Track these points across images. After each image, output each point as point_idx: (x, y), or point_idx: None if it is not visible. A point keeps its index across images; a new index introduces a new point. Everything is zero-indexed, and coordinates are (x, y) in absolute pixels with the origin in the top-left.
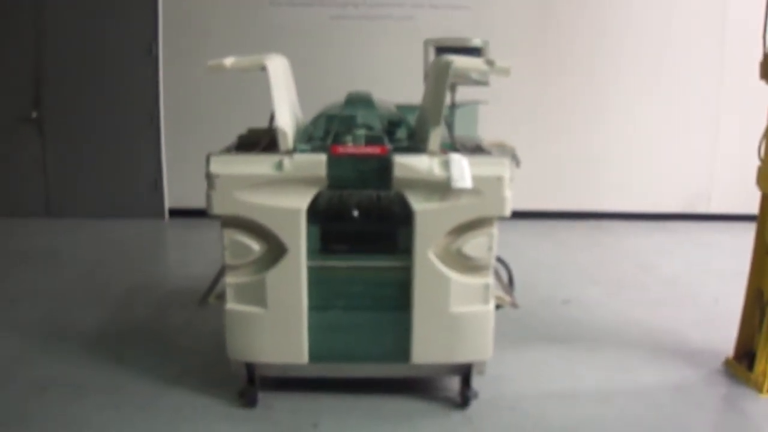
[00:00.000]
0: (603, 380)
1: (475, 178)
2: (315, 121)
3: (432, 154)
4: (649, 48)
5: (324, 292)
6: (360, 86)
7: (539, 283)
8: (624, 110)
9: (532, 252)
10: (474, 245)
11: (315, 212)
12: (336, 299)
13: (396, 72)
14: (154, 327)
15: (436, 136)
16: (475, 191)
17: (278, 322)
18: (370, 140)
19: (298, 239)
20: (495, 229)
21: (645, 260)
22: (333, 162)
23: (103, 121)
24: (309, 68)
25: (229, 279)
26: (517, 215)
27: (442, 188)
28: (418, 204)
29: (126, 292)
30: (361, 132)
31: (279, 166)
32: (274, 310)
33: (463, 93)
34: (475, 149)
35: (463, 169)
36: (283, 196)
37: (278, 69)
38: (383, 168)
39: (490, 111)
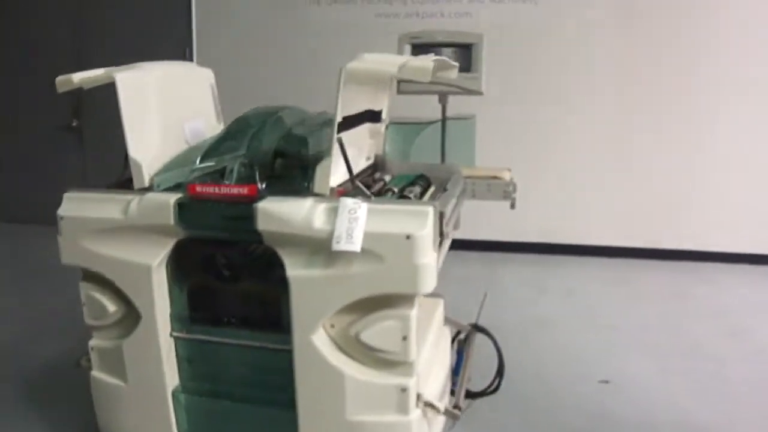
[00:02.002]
0: None
1: (372, 237)
2: (197, 148)
3: (319, 197)
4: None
5: (194, 372)
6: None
7: (583, 350)
8: (730, 128)
9: (593, 304)
10: (377, 332)
11: (183, 269)
12: (209, 382)
13: None
14: None
15: (324, 170)
16: (371, 255)
17: (140, 402)
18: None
19: (151, 303)
20: (413, 311)
21: (736, 321)
22: (189, 205)
23: None
24: None
25: (92, 341)
26: (589, 252)
27: (327, 248)
28: (295, 268)
29: None
30: (235, 165)
31: (126, 209)
32: (134, 386)
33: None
34: (430, 184)
35: (352, 222)
36: (134, 247)
37: (144, 82)
38: (250, 216)
39: (564, 129)
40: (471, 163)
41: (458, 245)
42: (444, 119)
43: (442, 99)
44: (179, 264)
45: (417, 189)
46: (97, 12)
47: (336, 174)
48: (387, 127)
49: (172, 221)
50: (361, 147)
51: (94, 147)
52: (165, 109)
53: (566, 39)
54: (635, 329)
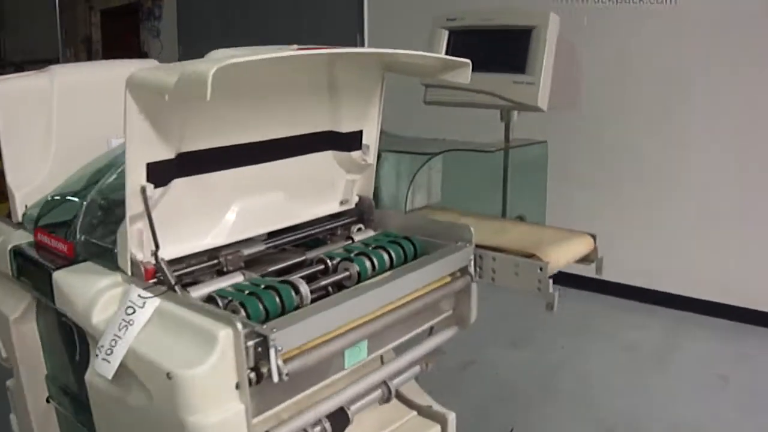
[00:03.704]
0: None
1: (140, 360)
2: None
3: (126, 275)
4: None
5: None
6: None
7: None
8: None
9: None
10: None
11: (53, 331)
12: None
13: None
14: None
15: (123, 236)
16: (141, 388)
17: None
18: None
19: (15, 360)
20: None
21: None
22: (26, 256)
23: None
24: None
25: (8, 381)
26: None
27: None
28: (92, 372)
29: None
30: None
31: None
32: None
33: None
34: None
35: (122, 328)
36: (6, 289)
37: (35, 92)
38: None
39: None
40: (539, 217)
41: (639, 296)
42: (507, 146)
43: (505, 115)
44: (50, 323)
45: (354, 268)
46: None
47: (189, 237)
48: (380, 158)
49: (10, 272)
50: (331, 185)
51: None
52: (76, 122)
53: None
54: None
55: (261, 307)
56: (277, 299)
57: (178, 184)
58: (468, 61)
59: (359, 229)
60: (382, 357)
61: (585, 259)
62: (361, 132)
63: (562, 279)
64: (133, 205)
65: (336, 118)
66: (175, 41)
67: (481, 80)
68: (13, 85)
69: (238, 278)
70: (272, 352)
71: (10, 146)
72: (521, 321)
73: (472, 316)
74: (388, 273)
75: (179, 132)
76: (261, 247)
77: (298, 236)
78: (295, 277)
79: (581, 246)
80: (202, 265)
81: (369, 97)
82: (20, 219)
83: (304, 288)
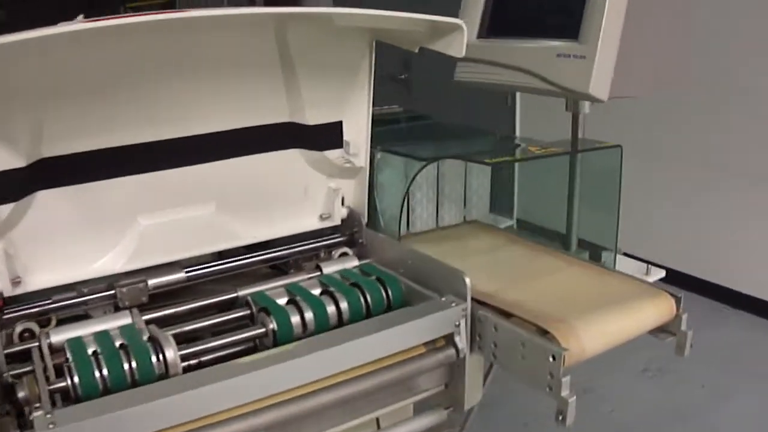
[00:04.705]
0: None
1: None
2: None
3: None
4: None
5: None
6: None
7: None
8: None
9: None
10: None
11: None
12: None
13: None
14: None
15: None
16: None
17: None
18: None
19: None
20: None
21: None
22: None
23: None
24: None
25: None
26: None
27: None
28: None
29: None
30: None
31: None
32: None
33: None
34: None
35: None
36: None
37: None
38: None
39: None
40: (611, 243)
41: None
42: (574, 148)
43: (571, 104)
44: None
45: (270, 325)
46: None
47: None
48: (376, 159)
49: None
50: (304, 194)
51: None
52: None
53: None
54: None
55: (98, 375)
56: (126, 366)
57: (47, 197)
58: (459, 22)
59: (343, 255)
60: (378, 421)
61: (659, 331)
62: (339, 124)
63: (718, 294)
64: None
65: (298, 106)
66: None
67: (518, 52)
68: None
69: (123, 320)
70: None
71: None
72: (663, 342)
73: (468, 399)
74: (320, 337)
75: (35, 132)
76: (177, 276)
77: (234, 263)
78: (165, 335)
79: (650, 313)
80: (93, 297)
81: (350, 77)
82: None
83: (172, 353)
